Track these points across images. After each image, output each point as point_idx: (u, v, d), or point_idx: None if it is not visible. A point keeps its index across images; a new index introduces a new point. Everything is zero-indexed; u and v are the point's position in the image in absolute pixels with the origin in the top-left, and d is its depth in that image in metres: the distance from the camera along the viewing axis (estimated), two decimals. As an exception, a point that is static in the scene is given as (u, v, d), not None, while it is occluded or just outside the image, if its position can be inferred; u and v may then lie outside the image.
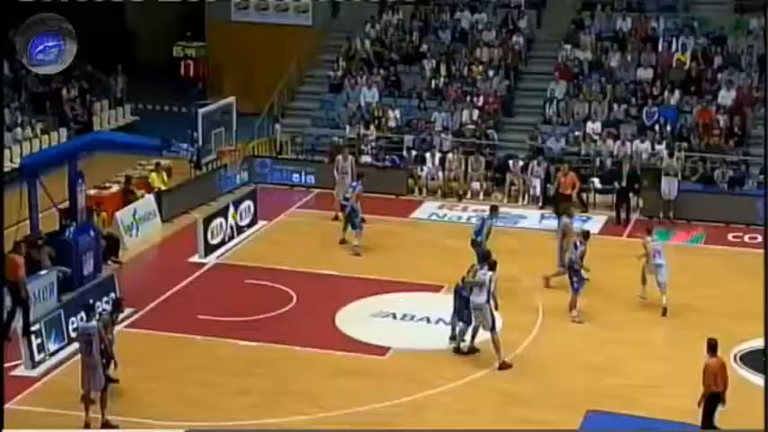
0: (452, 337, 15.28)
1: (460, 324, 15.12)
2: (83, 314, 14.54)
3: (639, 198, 21.75)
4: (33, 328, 14.65)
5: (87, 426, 12.90)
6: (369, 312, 16.52)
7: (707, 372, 12.29)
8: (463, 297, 14.99)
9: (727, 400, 12.33)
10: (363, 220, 19.06)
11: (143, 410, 13.35)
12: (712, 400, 12.30)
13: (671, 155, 21.80)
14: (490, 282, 14.57)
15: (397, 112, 24.77)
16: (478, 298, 14.56)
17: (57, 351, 14.88)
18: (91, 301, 15.70)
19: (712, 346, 12.47)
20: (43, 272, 16.37)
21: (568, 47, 25.63)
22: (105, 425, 12.95)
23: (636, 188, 21.57)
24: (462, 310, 15.03)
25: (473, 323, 14.88)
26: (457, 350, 15.05)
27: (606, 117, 24.11)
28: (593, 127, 23.75)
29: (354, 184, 19.52)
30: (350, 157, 21.40)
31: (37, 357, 14.57)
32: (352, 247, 18.87)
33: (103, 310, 14.97)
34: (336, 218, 20.08)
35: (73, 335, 15.06)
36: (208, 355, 15.09)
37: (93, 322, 13.24)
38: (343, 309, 16.63)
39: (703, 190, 21.98)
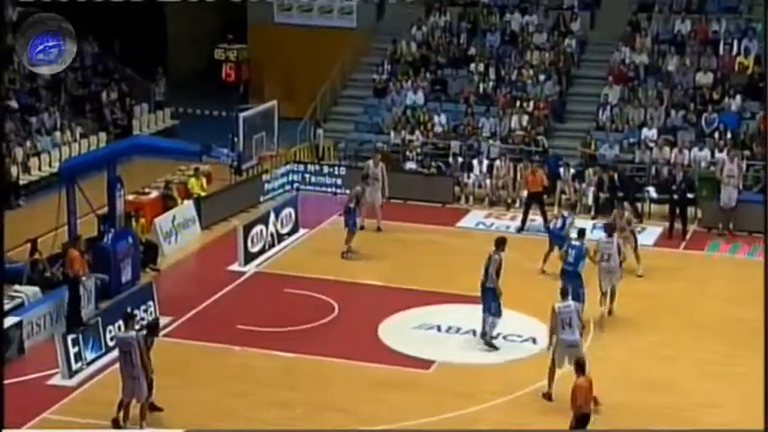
0: (483, 333, 15.43)
1: (490, 318, 15.32)
2: (120, 323, 14.76)
3: (697, 208, 21.53)
4: (71, 336, 14.90)
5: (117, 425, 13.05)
6: (412, 324, 16.53)
7: (578, 392, 12.18)
8: (488, 289, 15.21)
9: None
10: (361, 227, 19.38)
11: (178, 421, 13.45)
12: (583, 420, 12.16)
13: (731, 161, 21.51)
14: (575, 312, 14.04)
15: (444, 118, 24.79)
16: (572, 336, 13.92)
17: (94, 360, 15.09)
18: (129, 310, 15.96)
19: (580, 366, 12.37)
20: (83, 278, 16.62)
21: (624, 50, 25.46)
22: None
23: (693, 198, 21.37)
24: (490, 302, 15.25)
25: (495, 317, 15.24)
26: (489, 344, 15.34)
27: (663, 123, 23.90)
28: (649, 134, 23.56)
29: (359, 187, 19.81)
30: (381, 163, 21.47)
31: (74, 366, 14.80)
32: (344, 251, 19.04)
33: (141, 319, 15.16)
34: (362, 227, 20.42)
35: (111, 343, 15.30)
36: (246, 366, 15.20)
37: (132, 333, 13.40)
38: (386, 320, 16.66)
39: (765, 201, 21.64)
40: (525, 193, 21.51)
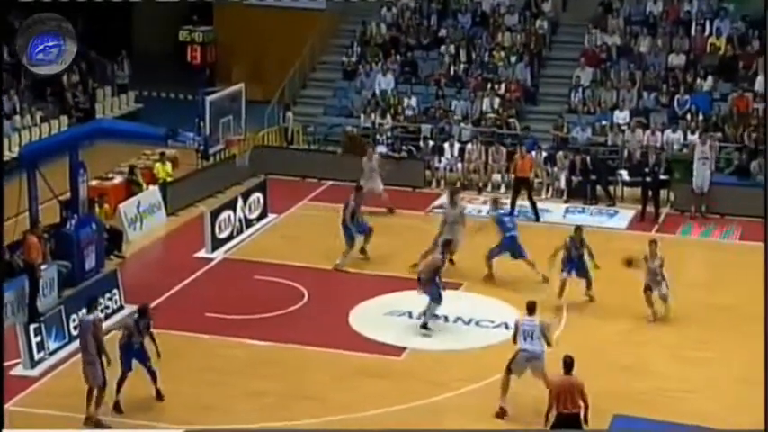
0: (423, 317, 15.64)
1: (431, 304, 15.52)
2: (84, 311, 14.59)
3: (670, 191, 21.65)
4: (33, 325, 14.73)
5: (88, 419, 12.99)
6: (383, 311, 16.52)
7: (563, 393, 12.00)
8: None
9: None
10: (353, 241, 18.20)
11: (147, 413, 13.40)
12: (572, 421, 11.98)
13: (703, 143, 21.61)
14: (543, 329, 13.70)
15: (414, 101, 24.71)
16: (533, 347, 13.50)
17: (57, 350, 14.95)
18: (93, 297, 15.79)
19: (569, 365, 12.11)
20: (44, 266, 16.43)
21: (595, 31, 25.49)
22: (97, 424, 13.01)
23: (666, 180, 21.48)
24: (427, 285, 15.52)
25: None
26: (424, 326, 15.50)
27: (635, 105, 23.98)
28: (622, 116, 23.64)
29: (352, 201, 18.42)
30: (374, 155, 21.21)
31: (36, 356, 14.63)
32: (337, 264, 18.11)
33: (106, 307, 15.03)
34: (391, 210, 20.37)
35: (74, 332, 15.14)
36: (215, 355, 15.12)
37: (90, 316, 13.32)
38: (356, 307, 16.63)
39: (738, 183, 21.83)
40: (513, 177, 21.31)
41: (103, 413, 13.21)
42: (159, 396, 13.69)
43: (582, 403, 12.09)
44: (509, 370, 13.52)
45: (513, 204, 20.87)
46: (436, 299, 15.59)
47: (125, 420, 13.21)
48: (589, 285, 16.74)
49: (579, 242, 16.61)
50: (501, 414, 13.43)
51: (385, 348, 15.33)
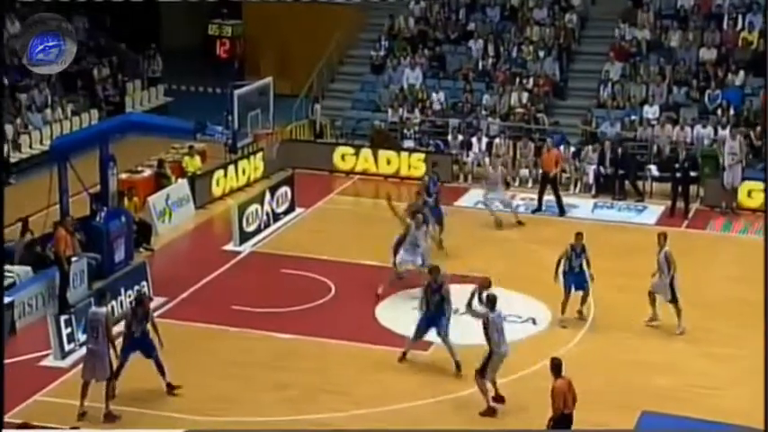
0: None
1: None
2: (113, 303, 14.72)
3: (700, 187, 21.48)
4: (64, 317, 14.87)
5: (83, 415, 13.04)
6: (411, 305, 16.47)
7: (555, 394, 11.85)
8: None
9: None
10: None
11: (172, 404, 13.48)
12: (563, 422, 11.89)
13: (733, 138, 21.41)
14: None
15: (442, 95, 24.68)
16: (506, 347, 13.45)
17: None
18: (122, 290, 15.94)
19: (557, 367, 11.98)
20: (74, 259, 16.58)
21: (625, 25, 25.32)
22: (108, 415, 13.08)
23: (696, 176, 21.31)
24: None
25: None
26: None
27: (665, 100, 23.81)
28: (651, 111, 23.47)
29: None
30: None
31: (67, 347, 14.77)
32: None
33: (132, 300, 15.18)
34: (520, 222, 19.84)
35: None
36: (241, 348, 15.19)
37: (103, 309, 13.42)
38: (383, 301, 16.64)
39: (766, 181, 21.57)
40: (541, 172, 21.28)
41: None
42: (171, 389, 13.59)
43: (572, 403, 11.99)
44: (482, 374, 13.30)
45: (539, 200, 20.81)
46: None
47: (145, 411, 13.26)
48: (584, 300, 16.02)
49: (581, 250, 15.87)
50: (489, 412, 13.28)
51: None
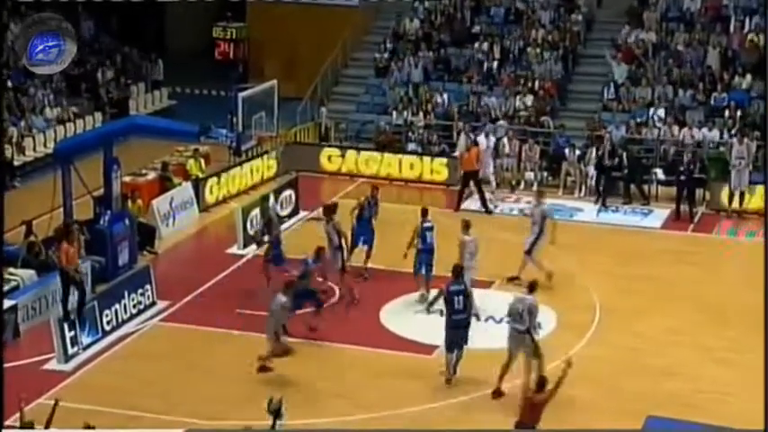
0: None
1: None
2: (116, 306, 14.71)
3: (706, 190, 21.42)
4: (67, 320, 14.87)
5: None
6: (415, 309, 16.49)
7: (534, 409, 11.82)
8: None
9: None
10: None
11: (176, 408, 13.47)
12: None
13: (740, 142, 21.38)
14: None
15: (446, 97, 24.66)
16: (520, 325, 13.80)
17: (91, 345, 15.07)
18: (126, 293, 15.93)
19: (542, 384, 11.94)
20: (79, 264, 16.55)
21: (630, 27, 25.28)
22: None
23: (702, 179, 21.26)
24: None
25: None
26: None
27: (671, 103, 23.77)
28: (657, 113, 23.43)
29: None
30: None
31: (70, 351, 14.78)
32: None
33: (138, 303, 15.08)
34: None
35: (107, 328, 15.26)
36: (245, 352, 15.16)
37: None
38: (388, 305, 16.63)
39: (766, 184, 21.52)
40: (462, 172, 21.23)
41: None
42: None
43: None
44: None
45: (458, 200, 20.90)
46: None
47: (152, 416, 13.27)
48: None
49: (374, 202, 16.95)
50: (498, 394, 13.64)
51: (416, 347, 15.31)
